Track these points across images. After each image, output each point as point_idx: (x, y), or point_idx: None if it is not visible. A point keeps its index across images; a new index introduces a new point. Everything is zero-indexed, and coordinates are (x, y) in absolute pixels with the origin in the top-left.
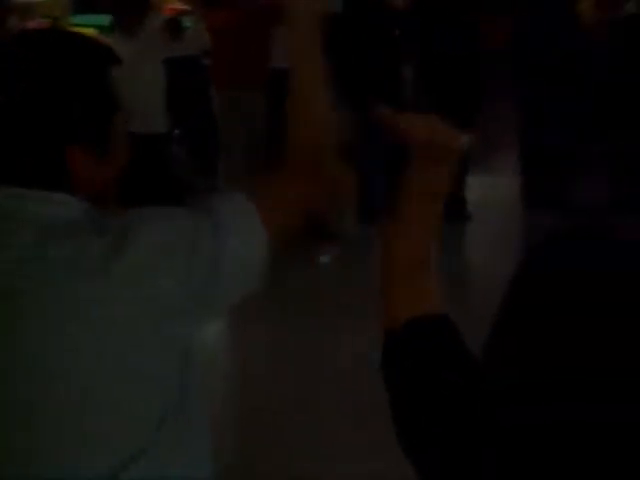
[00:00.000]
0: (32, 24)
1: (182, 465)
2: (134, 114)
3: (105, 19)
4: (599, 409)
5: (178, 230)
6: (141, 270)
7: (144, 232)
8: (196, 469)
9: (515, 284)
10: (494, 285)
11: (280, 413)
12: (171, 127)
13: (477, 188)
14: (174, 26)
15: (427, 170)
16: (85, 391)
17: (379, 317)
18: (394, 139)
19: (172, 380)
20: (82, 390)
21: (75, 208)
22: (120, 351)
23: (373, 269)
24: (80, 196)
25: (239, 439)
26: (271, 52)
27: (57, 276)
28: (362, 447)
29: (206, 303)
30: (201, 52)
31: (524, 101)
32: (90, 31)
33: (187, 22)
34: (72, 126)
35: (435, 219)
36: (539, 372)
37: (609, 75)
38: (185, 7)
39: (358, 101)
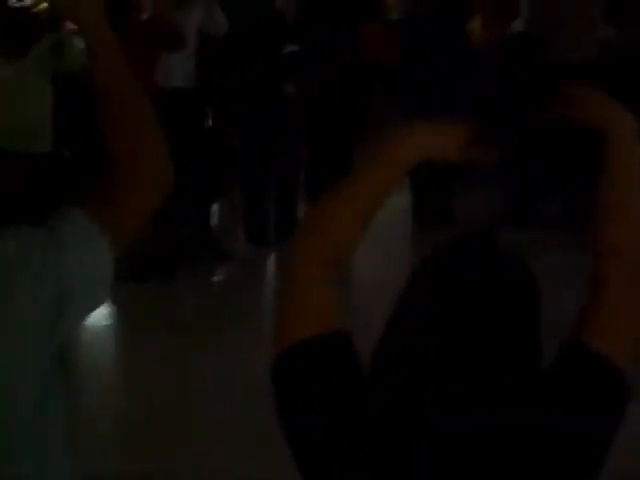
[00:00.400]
0: None
1: (39, 467)
2: (22, 133)
3: None
4: (505, 413)
5: (28, 248)
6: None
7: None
8: (54, 473)
9: (403, 298)
10: (386, 302)
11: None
12: (60, 148)
13: None
14: (58, 47)
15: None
16: None
17: (272, 335)
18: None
19: (31, 391)
20: None
21: None
22: None
23: (264, 289)
24: None
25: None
26: (156, 73)
27: None
28: None
29: (59, 318)
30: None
31: (411, 119)
32: None
33: (79, 42)
34: None
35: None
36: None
37: (497, 92)
38: (74, 27)
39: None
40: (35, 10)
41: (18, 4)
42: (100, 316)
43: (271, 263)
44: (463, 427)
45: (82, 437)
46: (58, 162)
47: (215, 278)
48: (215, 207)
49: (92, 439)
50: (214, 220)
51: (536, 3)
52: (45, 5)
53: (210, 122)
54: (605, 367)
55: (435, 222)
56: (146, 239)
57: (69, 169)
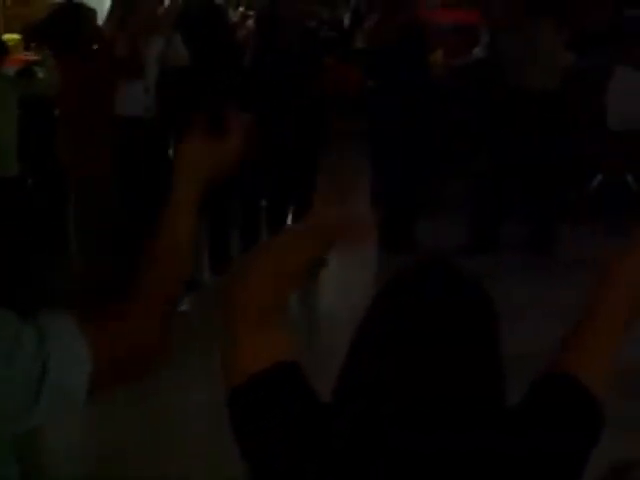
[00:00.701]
0: None
1: None
2: None
3: None
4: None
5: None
6: None
7: None
8: None
9: (365, 321)
10: (352, 329)
11: None
12: (25, 174)
13: None
14: (27, 74)
15: None
16: None
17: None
18: None
19: None
20: None
21: None
22: None
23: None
24: None
25: None
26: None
27: None
28: None
29: (21, 412)
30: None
31: (371, 149)
32: None
33: (39, 72)
34: None
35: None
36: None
37: (457, 116)
38: (35, 57)
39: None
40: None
41: None
42: None
43: None
44: (420, 447)
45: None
46: (23, 188)
47: (182, 307)
48: None
49: (76, 458)
50: None
51: (495, 33)
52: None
53: (172, 152)
54: (581, 395)
55: (400, 249)
56: (109, 268)
57: (33, 196)
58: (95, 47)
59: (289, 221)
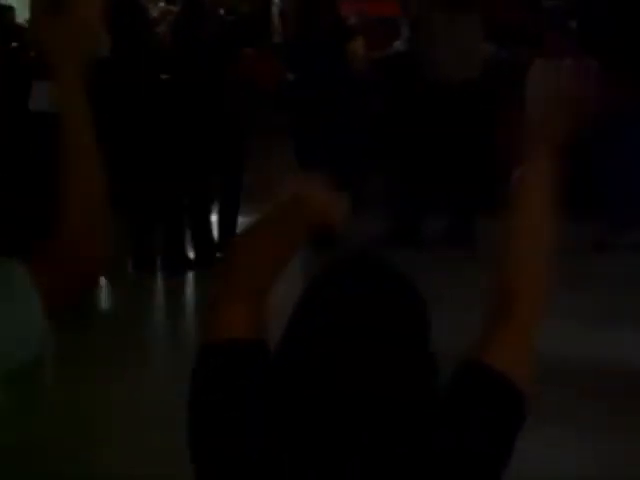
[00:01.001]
0: None
1: None
2: None
3: None
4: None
5: None
6: None
7: None
8: None
9: (292, 318)
10: (279, 324)
11: None
12: None
13: None
14: None
15: None
16: None
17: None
18: None
19: None
20: None
21: None
22: None
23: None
24: None
25: None
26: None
27: None
28: None
29: None
30: None
31: (297, 143)
32: None
33: None
34: None
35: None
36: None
37: (378, 110)
38: None
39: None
40: None
41: None
42: None
43: (159, 289)
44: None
45: None
46: None
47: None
48: None
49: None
50: None
51: (414, 26)
52: None
53: None
54: (501, 382)
55: (322, 244)
56: None
57: None
58: (13, 45)
59: (213, 220)
